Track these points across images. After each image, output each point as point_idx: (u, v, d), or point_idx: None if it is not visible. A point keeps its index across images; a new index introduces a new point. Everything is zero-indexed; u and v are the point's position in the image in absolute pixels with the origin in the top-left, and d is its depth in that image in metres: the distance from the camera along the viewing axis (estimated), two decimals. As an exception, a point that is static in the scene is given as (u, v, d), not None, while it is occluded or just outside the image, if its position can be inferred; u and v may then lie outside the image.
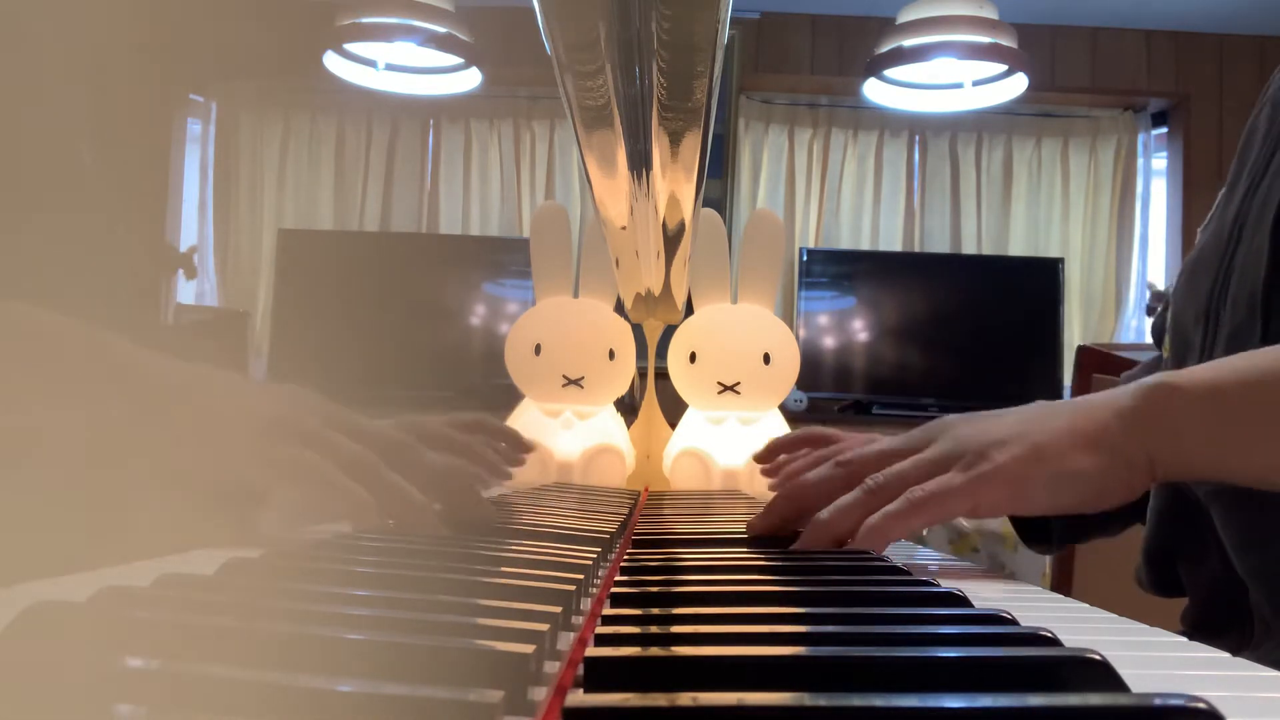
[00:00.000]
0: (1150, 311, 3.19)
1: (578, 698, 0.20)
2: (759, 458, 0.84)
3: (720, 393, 1.09)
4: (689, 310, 1.12)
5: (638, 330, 1.14)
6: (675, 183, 0.56)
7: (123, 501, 0.36)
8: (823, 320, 3.20)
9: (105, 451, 0.37)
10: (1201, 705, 0.19)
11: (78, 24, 0.60)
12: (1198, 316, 0.67)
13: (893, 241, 3.36)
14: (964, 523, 2.22)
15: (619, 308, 1.09)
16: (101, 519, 0.35)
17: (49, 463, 0.35)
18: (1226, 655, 0.30)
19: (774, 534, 0.53)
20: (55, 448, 0.35)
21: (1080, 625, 0.36)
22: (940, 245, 3.36)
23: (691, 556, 0.46)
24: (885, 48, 2.36)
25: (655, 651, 0.24)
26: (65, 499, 0.35)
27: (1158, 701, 0.20)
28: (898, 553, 0.55)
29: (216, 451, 0.40)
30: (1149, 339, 0.94)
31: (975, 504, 0.47)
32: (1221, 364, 0.50)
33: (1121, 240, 3.34)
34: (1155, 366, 0.85)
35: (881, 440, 0.55)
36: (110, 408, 0.38)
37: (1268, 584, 0.59)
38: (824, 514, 0.49)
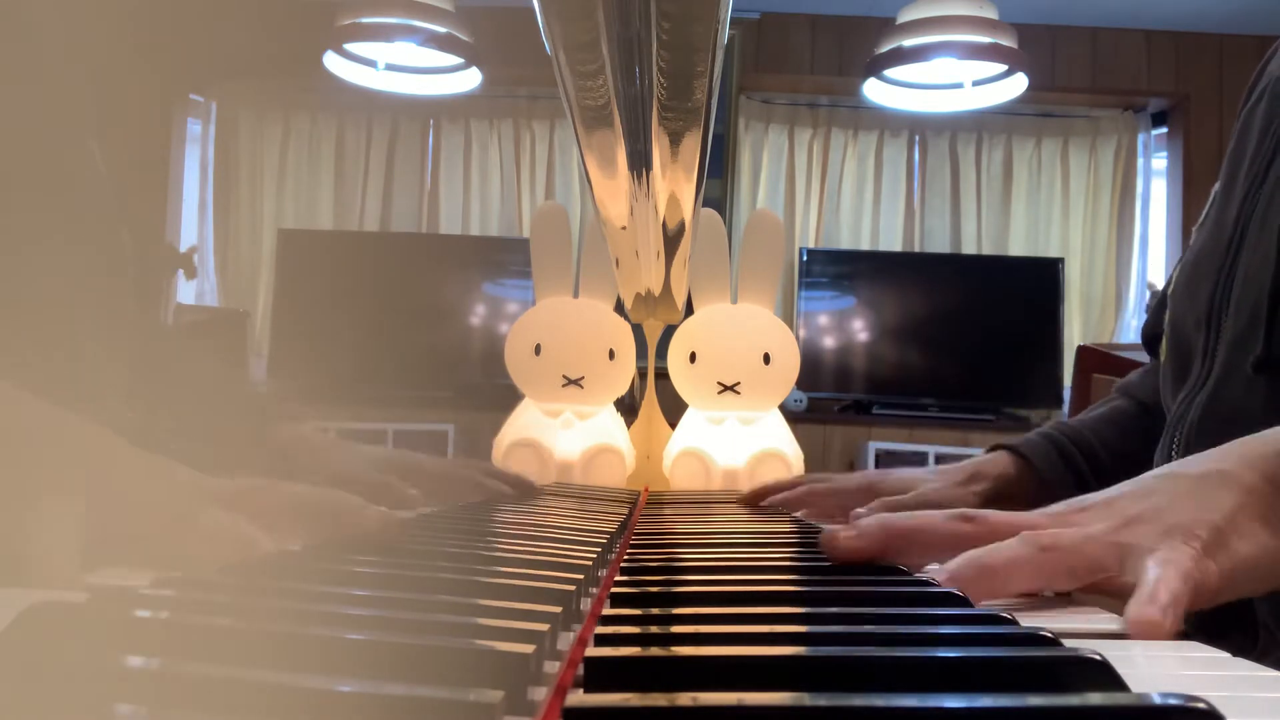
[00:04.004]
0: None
1: (578, 698, 0.20)
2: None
3: (720, 393, 1.09)
4: (689, 310, 1.12)
5: (638, 330, 1.14)
6: (675, 183, 0.56)
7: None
8: (823, 320, 3.20)
9: None
10: (1201, 705, 0.19)
11: (78, 24, 0.60)
12: (1198, 322, 0.66)
13: (893, 241, 3.36)
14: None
15: (619, 308, 1.10)
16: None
17: None
18: (1227, 655, 0.30)
19: (863, 561, 0.43)
20: None
21: (1081, 624, 0.35)
22: (940, 245, 3.36)
23: (691, 556, 0.46)
24: (885, 48, 2.36)
25: (655, 651, 0.24)
26: None
27: (1157, 701, 0.20)
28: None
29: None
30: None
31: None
32: None
33: (1121, 240, 3.34)
34: (1157, 371, 0.83)
35: (1002, 513, 0.43)
36: None
37: (1277, 602, 0.58)
38: (987, 558, 0.38)
